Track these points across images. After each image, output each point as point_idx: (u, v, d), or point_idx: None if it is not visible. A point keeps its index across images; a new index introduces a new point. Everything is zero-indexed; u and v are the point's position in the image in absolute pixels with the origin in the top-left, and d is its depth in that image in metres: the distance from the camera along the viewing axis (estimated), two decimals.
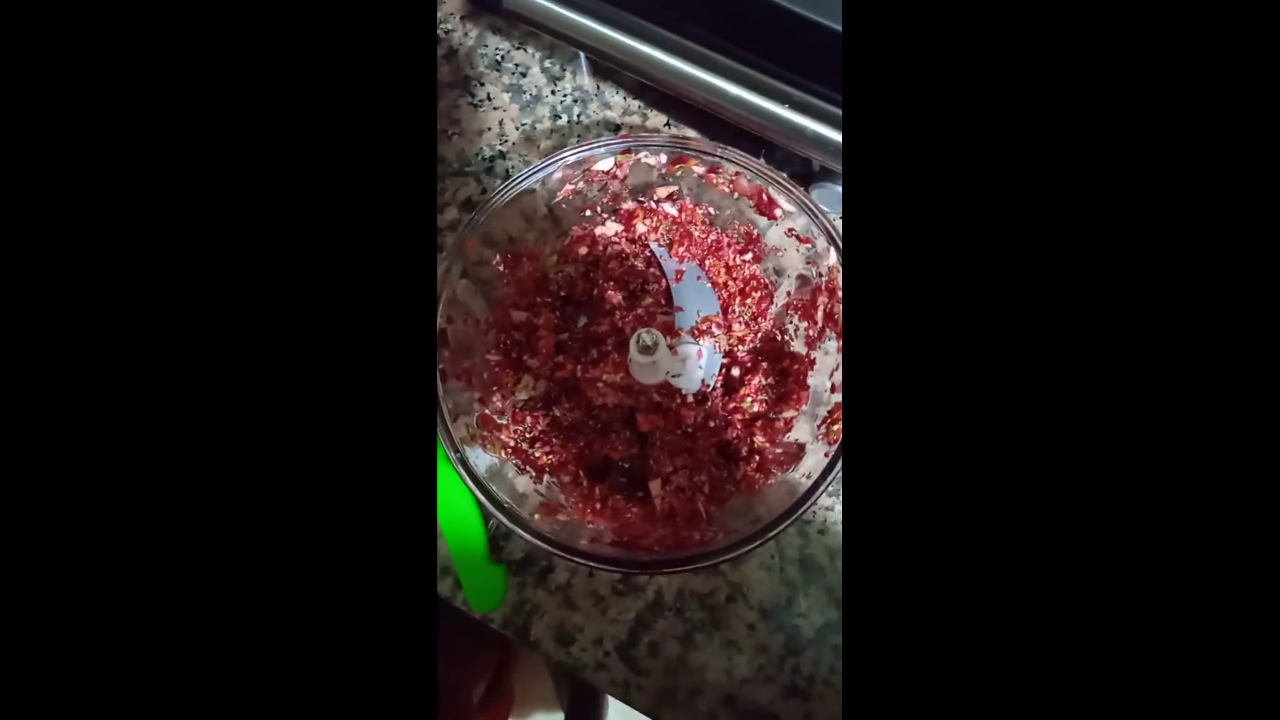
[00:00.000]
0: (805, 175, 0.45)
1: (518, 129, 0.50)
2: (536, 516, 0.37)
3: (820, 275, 0.41)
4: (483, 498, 0.35)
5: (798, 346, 0.43)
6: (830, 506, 0.45)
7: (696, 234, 0.44)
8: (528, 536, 0.35)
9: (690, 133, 0.49)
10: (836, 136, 0.38)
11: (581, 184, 0.42)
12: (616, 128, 0.50)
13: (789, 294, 0.43)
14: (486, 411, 0.40)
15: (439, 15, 0.51)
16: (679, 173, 0.42)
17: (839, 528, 0.44)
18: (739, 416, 0.42)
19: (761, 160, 0.44)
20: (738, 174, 0.40)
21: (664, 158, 0.41)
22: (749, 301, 0.44)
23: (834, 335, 0.41)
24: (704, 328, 0.43)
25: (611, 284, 0.43)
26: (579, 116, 0.50)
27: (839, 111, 0.39)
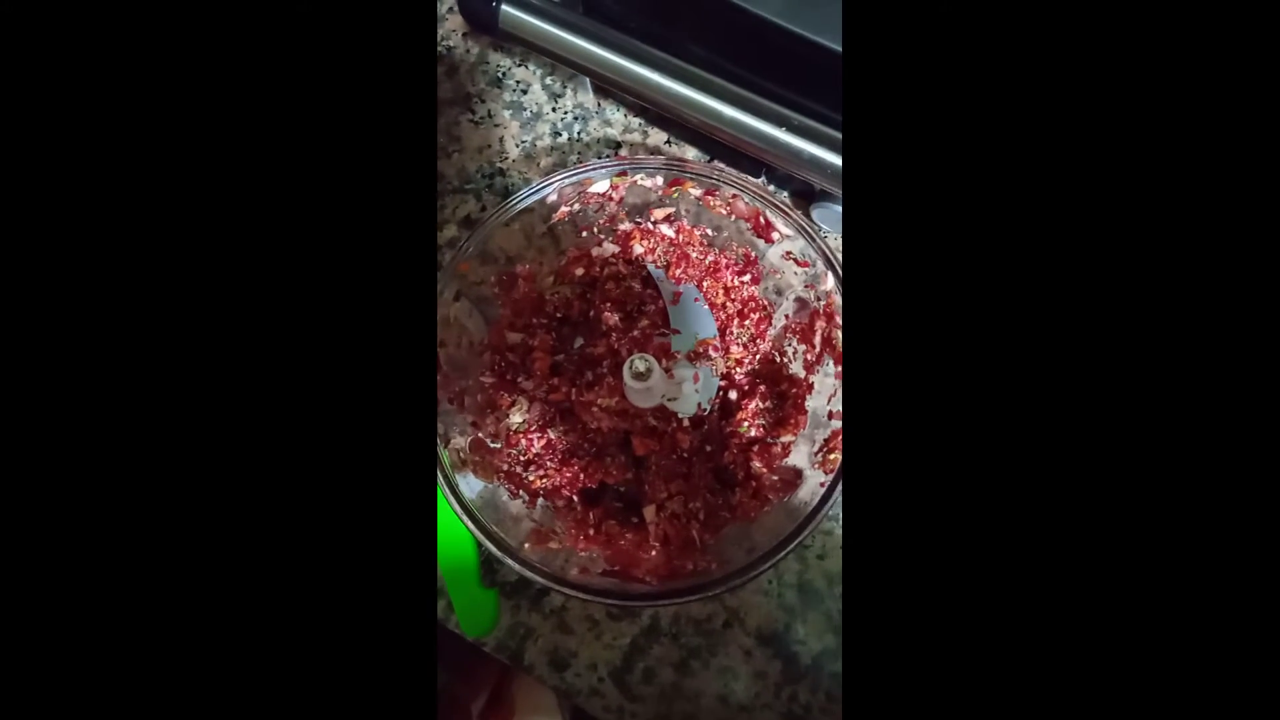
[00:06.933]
0: (807, 193, 0.44)
1: (518, 146, 0.49)
2: (527, 545, 0.36)
3: (818, 299, 0.40)
4: (472, 526, 0.35)
5: (796, 369, 0.42)
6: (830, 531, 0.44)
7: (694, 255, 0.44)
8: (517, 566, 0.35)
9: (691, 151, 0.48)
10: (834, 159, 0.38)
11: (577, 205, 0.42)
12: (617, 145, 0.49)
13: (787, 316, 0.43)
14: (480, 435, 0.40)
15: (440, 33, 0.51)
16: (676, 194, 0.41)
17: (839, 552, 0.44)
18: (736, 441, 0.41)
19: (762, 180, 0.43)
20: (735, 196, 0.40)
21: (660, 179, 0.41)
22: (747, 323, 0.44)
23: (831, 360, 0.40)
24: (701, 351, 0.43)
25: (608, 305, 0.43)
26: (579, 134, 0.49)
27: (837, 134, 0.38)
